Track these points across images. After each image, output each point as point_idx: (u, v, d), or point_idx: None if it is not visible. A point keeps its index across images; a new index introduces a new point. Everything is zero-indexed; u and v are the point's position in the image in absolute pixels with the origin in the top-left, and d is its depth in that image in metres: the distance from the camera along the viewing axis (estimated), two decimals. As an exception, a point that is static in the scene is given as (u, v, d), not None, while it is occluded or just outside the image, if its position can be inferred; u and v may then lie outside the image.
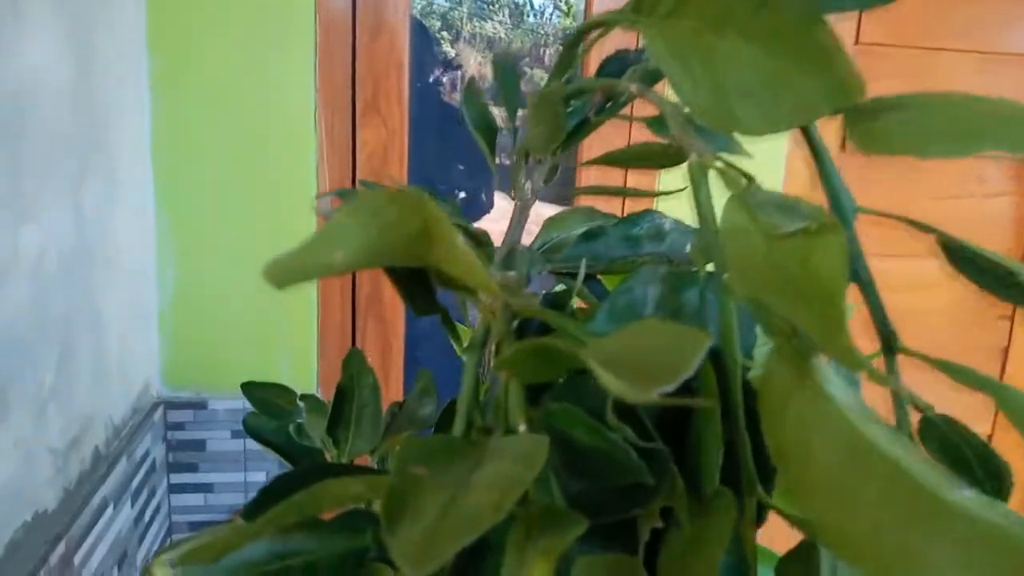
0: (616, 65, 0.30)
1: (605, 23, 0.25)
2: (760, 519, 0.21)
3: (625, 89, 0.25)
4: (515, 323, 0.27)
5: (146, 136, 1.39)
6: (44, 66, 1.03)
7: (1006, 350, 1.87)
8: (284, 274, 0.14)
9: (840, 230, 0.17)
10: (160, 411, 1.43)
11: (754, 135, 0.21)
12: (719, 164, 0.22)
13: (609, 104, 0.29)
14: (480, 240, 0.29)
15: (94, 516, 1.15)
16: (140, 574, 1.25)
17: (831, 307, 0.16)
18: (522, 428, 0.19)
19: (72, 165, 1.10)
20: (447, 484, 0.16)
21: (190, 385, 1.50)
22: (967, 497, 0.16)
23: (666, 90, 0.25)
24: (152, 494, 1.41)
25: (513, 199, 0.32)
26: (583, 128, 0.29)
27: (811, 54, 0.19)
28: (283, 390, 0.36)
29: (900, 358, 0.26)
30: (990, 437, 1.86)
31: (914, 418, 0.26)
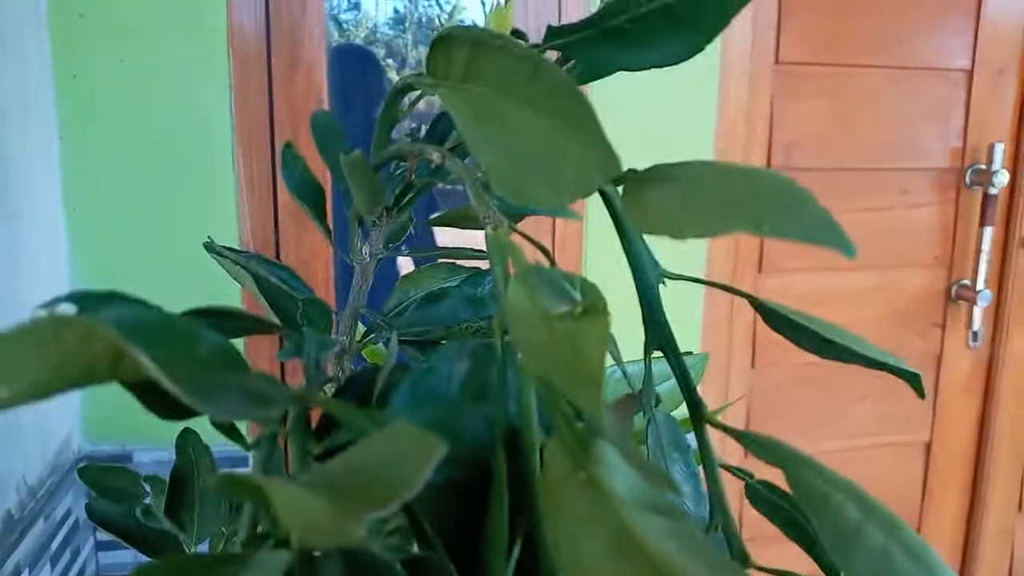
0: (446, 122, 0.30)
1: (412, 86, 0.25)
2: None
3: (431, 156, 0.24)
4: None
5: (56, 181, 1.35)
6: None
7: (939, 358, 1.91)
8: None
9: (603, 313, 0.16)
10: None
11: (544, 207, 0.20)
12: (509, 236, 0.21)
13: (437, 167, 0.28)
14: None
15: (6, 585, 1.09)
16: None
17: (593, 387, 0.16)
18: (295, 537, 0.17)
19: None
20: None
21: (114, 437, 1.45)
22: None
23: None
24: (76, 554, 1.35)
25: (356, 261, 0.30)
26: (409, 191, 0.28)
27: (582, 124, 0.18)
28: (125, 473, 0.34)
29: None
30: (928, 445, 1.89)
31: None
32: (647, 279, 0.21)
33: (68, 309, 0.17)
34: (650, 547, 0.16)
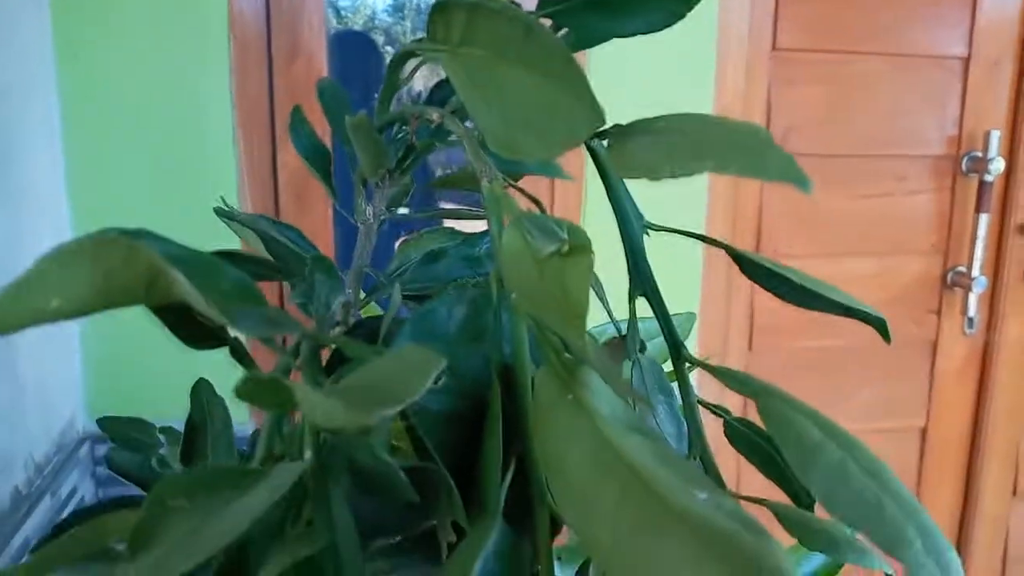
0: (447, 89, 0.31)
1: (414, 52, 0.26)
2: (556, 530, 0.22)
3: (431, 117, 0.26)
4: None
5: (59, 163, 1.36)
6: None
7: (934, 344, 1.92)
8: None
9: (587, 252, 0.18)
10: (87, 446, 1.40)
11: (534, 158, 0.21)
12: (504, 188, 0.22)
13: (437, 128, 0.30)
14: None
15: (14, 559, 1.12)
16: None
17: (577, 319, 0.17)
18: (308, 455, 0.19)
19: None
20: (201, 514, 0.16)
21: (117, 415, 1.46)
22: (699, 500, 0.17)
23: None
24: (81, 531, 1.37)
25: (360, 221, 0.32)
26: (410, 153, 0.30)
27: (572, 82, 0.20)
28: (141, 424, 0.36)
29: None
30: (924, 430, 1.91)
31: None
32: (632, 228, 0.23)
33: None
34: (628, 458, 0.17)
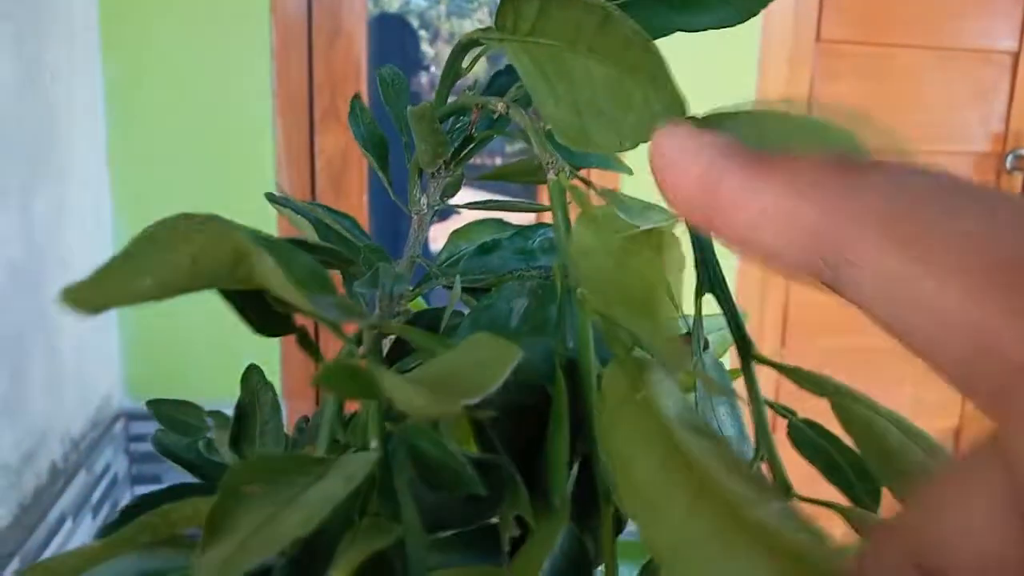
0: (505, 79, 0.31)
1: (477, 41, 0.26)
2: (619, 529, 0.21)
3: (495, 107, 0.26)
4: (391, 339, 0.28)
5: (102, 143, 1.38)
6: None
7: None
8: (84, 301, 0.14)
9: (676, 246, 0.18)
10: (121, 423, 1.42)
11: (605, 151, 0.21)
12: (574, 181, 0.22)
13: (498, 118, 0.30)
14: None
15: (51, 531, 1.14)
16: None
17: (658, 315, 0.17)
18: (374, 445, 0.19)
19: (19, 174, 1.09)
20: (275, 502, 0.16)
21: (154, 393, 1.48)
22: (771, 512, 0.16)
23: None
24: (115, 507, 1.40)
25: (414, 211, 0.32)
26: (468, 143, 0.30)
27: (649, 71, 0.20)
28: (190, 406, 0.36)
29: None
30: (957, 431, 1.88)
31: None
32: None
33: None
34: (697, 463, 0.17)
